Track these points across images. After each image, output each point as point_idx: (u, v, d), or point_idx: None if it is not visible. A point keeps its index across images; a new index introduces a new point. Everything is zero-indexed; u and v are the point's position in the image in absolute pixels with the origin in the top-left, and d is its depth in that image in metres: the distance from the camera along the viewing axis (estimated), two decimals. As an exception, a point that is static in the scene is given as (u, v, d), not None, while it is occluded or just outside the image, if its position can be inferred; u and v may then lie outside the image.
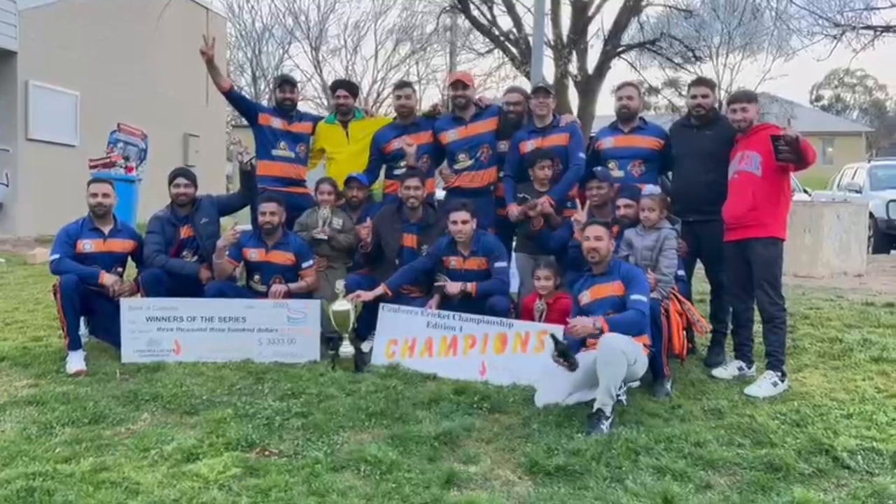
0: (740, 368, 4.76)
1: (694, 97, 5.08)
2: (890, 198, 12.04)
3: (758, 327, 4.82)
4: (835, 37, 11.93)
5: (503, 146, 5.67)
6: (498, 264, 5.02)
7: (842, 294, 7.36)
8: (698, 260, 5.21)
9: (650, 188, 4.87)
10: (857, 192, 13.11)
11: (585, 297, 4.37)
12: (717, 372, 4.77)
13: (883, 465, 3.40)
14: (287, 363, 4.84)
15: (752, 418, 3.94)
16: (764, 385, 4.42)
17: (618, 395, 3.89)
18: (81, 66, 13.95)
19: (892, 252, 11.57)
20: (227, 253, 5.19)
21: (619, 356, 3.83)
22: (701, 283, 5.42)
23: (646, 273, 4.44)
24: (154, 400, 4.14)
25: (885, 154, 33.44)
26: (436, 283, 5.13)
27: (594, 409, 3.79)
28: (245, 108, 6.19)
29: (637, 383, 4.27)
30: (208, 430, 3.69)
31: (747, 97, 4.80)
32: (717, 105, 5.12)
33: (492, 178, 5.71)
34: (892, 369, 4.76)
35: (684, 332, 4.57)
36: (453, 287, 4.98)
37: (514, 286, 5.53)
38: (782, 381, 4.45)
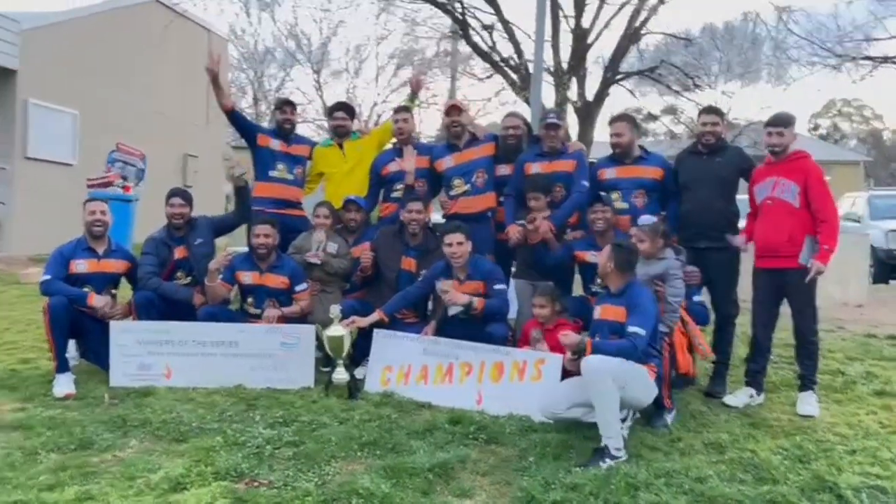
0: (751, 396, 4.71)
1: (704, 125, 5.10)
2: (889, 227, 12.00)
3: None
4: (834, 67, 11.99)
5: (503, 170, 5.63)
6: (497, 286, 4.92)
7: (843, 325, 7.30)
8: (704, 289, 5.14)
9: (644, 219, 4.79)
10: (856, 221, 13.07)
11: (597, 312, 4.29)
12: (729, 399, 4.72)
13: (888, 504, 3.31)
14: (279, 389, 4.75)
15: (753, 453, 3.85)
16: (808, 401, 4.56)
17: (624, 430, 3.79)
18: (81, 86, 13.96)
19: (892, 282, 11.50)
20: (219, 276, 5.11)
21: (604, 378, 3.72)
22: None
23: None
24: (143, 426, 4.04)
25: (882, 184, 33.49)
26: (439, 288, 4.90)
27: (601, 444, 3.71)
28: (245, 128, 6.15)
29: (637, 415, 4.17)
30: (197, 459, 3.58)
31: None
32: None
33: (489, 203, 5.65)
34: (896, 403, 4.69)
35: (689, 353, 4.49)
36: (459, 297, 4.80)
37: (512, 311, 5.44)
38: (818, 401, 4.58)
